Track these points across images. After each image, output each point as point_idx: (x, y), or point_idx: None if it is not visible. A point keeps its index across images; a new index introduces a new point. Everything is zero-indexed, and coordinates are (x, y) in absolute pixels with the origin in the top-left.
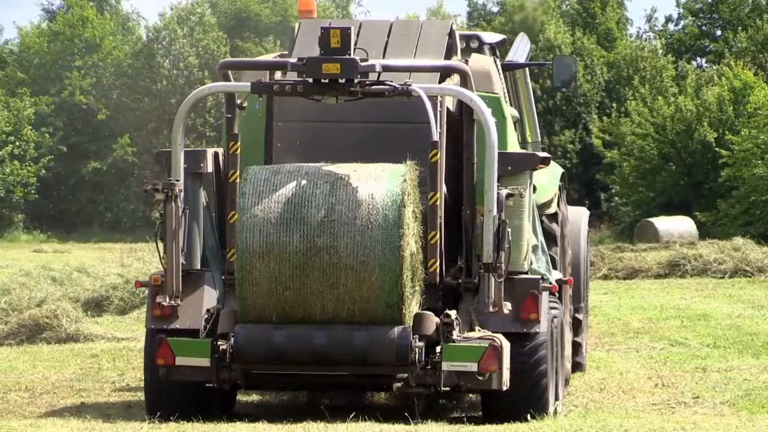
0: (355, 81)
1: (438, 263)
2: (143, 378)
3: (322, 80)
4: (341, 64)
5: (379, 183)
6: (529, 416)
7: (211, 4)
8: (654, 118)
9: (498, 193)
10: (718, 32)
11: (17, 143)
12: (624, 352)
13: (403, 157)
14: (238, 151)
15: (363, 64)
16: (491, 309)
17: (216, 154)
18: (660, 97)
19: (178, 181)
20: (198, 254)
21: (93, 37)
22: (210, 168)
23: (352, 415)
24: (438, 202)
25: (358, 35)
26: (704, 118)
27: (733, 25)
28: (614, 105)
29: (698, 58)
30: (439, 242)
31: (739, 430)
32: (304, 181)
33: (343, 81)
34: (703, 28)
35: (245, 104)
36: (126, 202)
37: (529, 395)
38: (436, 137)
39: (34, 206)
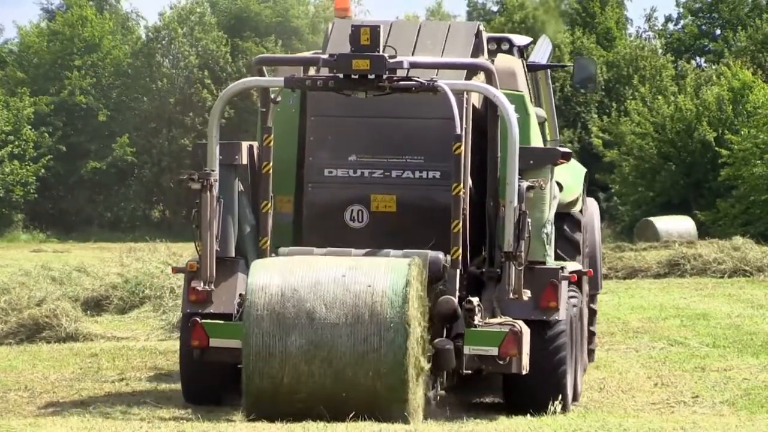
0: (384, 77)
1: (461, 251)
2: (178, 362)
3: (353, 76)
4: (371, 60)
5: (383, 335)
6: (529, 415)
7: (211, 4)
8: (654, 118)
9: (519, 186)
10: (718, 32)
11: (17, 143)
12: (624, 351)
13: (430, 151)
14: (272, 143)
15: (391, 60)
16: (511, 296)
17: (251, 147)
18: (660, 97)
19: (213, 171)
20: (232, 242)
21: (92, 37)
22: (245, 160)
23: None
24: (461, 194)
25: (388, 35)
26: (704, 117)
27: (732, 24)
28: (614, 104)
29: (698, 58)
30: (461, 231)
31: (739, 430)
32: (305, 321)
33: (372, 77)
34: (703, 27)
35: (279, 98)
36: (126, 202)
37: (548, 381)
38: (459, 131)
39: (34, 206)
